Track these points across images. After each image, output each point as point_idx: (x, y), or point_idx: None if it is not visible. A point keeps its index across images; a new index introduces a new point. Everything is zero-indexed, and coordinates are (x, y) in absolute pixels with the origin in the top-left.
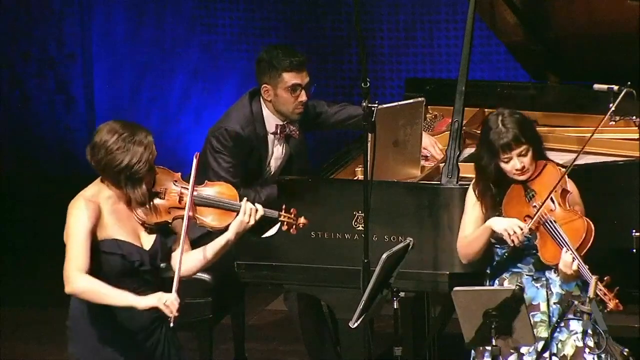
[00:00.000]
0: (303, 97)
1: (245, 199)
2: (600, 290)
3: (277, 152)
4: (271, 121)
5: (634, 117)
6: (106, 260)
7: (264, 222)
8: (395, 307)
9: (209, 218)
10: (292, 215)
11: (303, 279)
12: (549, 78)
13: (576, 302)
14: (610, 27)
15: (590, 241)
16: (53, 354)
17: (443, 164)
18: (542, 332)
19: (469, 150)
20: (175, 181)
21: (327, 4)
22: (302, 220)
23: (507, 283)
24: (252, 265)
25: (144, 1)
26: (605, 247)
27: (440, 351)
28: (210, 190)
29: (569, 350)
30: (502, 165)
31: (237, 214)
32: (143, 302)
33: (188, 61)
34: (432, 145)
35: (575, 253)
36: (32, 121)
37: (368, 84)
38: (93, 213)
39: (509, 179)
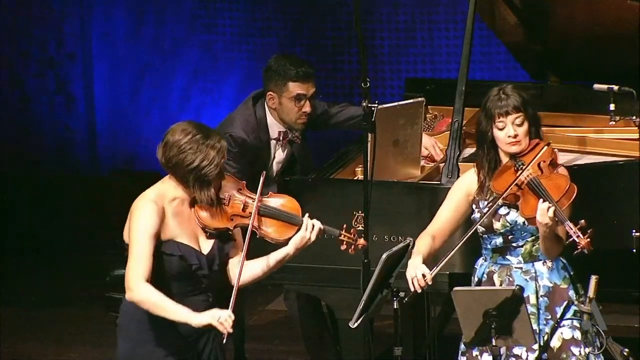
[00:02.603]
0: (307, 107)
1: (307, 215)
2: (575, 232)
3: (279, 157)
4: (274, 128)
5: (634, 117)
6: (164, 260)
7: None
8: (395, 307)
9: (270, 229)
10: (353, 236)
11: (303, 279)
12: (549, 78)
13: (576, 302)
14: (610, 27)
15: (572, 197)
16: (53, 354)
17: (443, 164)
18: (532, 324)
19: (469, 150)
20: (240, 189)
21: (327, 4)
22: (361, 241)
23: (497, 276)
24: None
25: (144, 1)
26: (605, 247)
27: (440, 351)
28: (274, 202)
29: (555, 343)
30: (497, 132)
31: (298, 229)
32: (197, 319)
33: (188, 61)
34: (432, 146)
35: (554, 202)
36: (32, 121)
37: (368, 84)
38: (157, 215)
39: (502, 156)
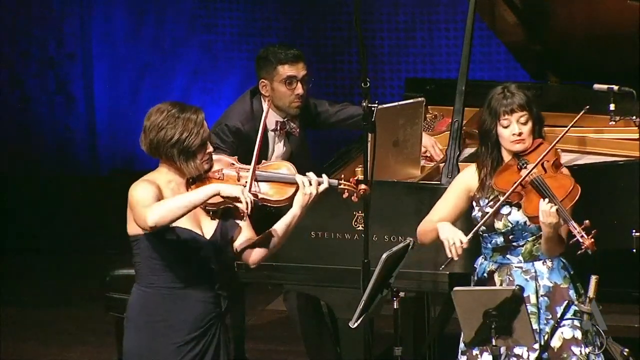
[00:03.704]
0: (299, 89)
1: (295, 172)
2: (579, 232)
3: (277, 150)
4: (271, 118)
5: (634, 117)
6: (167, 247)
7: (264, 221)
8: (395, 307)
9: (268, 192)
10: (352, 183)
11: (303, 279)
12: (549, 78)
13: (576, 302)
14: (610, 27)
15: (576, 198)
16: (53, 354)
17: (443, 164)
18: (532, 324)
19: (469, 150)
20: (232, 164)
21: (327, 4)
22: (362, 186)
23: (497, 275)
24: None
25: (144, 1)
26: (605, 247)
27: (440, 351)
28: (268, 168)
29: (556, 342)
30: (501, 130)
31: (297, 187)
32: (228, 189)
33: (188, 61)
34: (432, 146)
35: (557, 201)
36: (32, 121)
37: (368, 84)
38: (155, 188)
39: (505, 154)
